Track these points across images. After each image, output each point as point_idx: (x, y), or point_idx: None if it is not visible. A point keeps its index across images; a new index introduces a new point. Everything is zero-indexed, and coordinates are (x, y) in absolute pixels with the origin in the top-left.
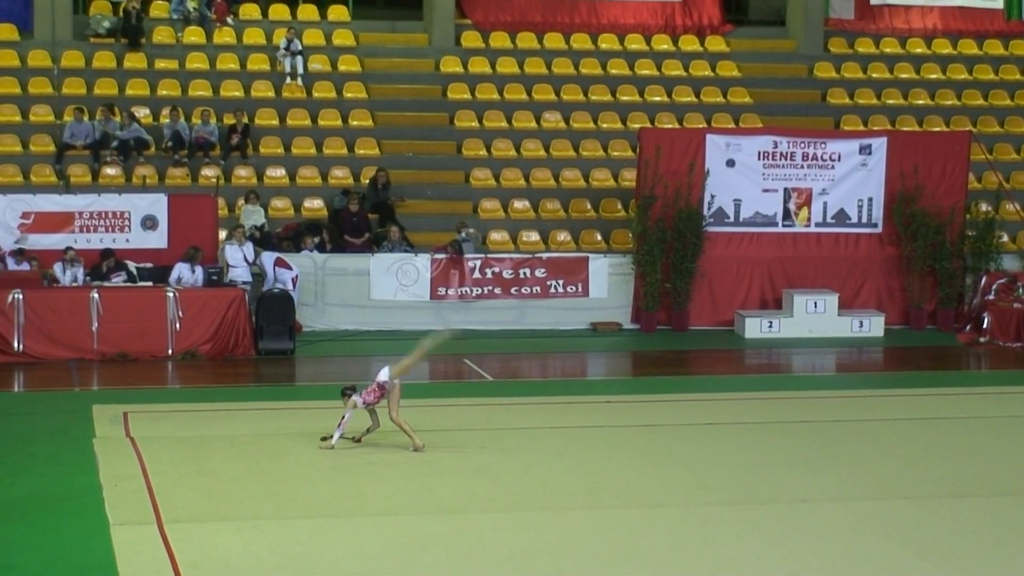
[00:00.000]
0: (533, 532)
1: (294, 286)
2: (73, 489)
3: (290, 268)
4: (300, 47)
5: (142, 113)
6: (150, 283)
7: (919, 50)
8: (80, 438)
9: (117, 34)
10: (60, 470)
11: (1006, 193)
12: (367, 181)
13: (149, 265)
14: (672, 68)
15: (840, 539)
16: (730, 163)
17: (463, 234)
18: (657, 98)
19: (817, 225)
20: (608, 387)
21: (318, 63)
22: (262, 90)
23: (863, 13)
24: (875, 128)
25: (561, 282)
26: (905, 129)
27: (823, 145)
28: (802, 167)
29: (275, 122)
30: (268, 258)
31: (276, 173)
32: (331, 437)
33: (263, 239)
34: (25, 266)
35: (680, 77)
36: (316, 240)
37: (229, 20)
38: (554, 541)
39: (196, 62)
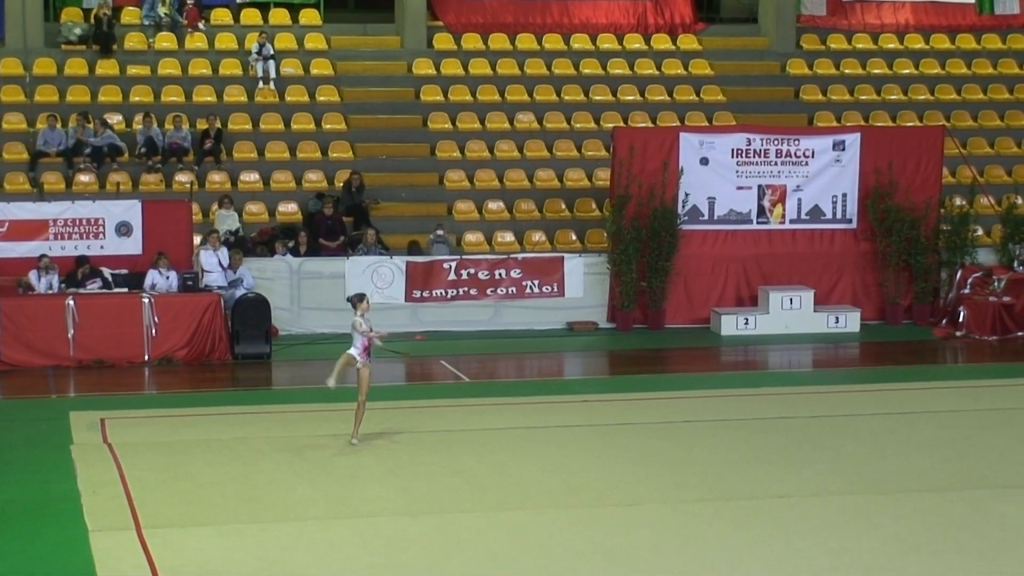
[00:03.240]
0: (512, 532)
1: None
2: (51, 496)
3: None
4: (272, 51)
5: (115, 120)
6: (125, 289)
7: (891, 45)
8: (57, 445)
9: (89, 41)
10: (38, 477)
11: (980, 187)
12: (341, 184)
13: (124, 271)
14: (645, 67)
15: (820, 534)
16: (704, 161)
17: (435, 235)
18: (630, 97)
19: (792, 222)
20: (585, 386)
21: (290, 67)
22: (235, 95)
23: (835, 9)
24: (848, 124)
25: (537, 282)
26: (878, 125)
27: (797, 142)
28: (776, 164)
29: (248, 127)
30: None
31: (250, 178)
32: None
33: (238, 244)
34: None
35: (653, 76)
36: (291, 244)
37: (201, 25)
38: (533, 541)
39: (168, 68)
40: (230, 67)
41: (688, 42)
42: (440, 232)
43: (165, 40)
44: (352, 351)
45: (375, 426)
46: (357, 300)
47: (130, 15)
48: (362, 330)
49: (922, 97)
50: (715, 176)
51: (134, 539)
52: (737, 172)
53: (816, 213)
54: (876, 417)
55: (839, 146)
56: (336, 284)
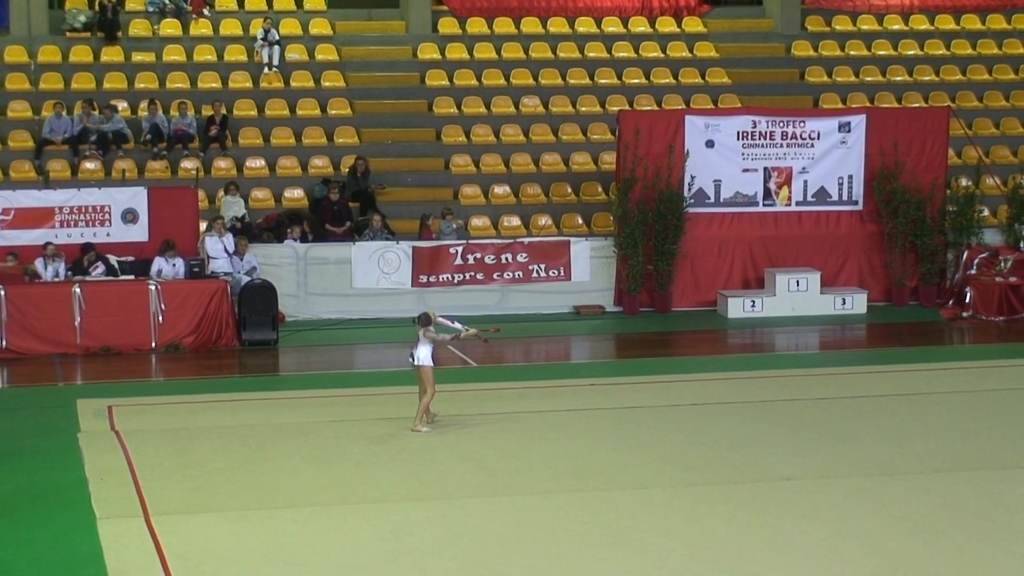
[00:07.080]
0: (520, 516)
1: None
2: (59, 484)
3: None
4: (277, 37)
5: (120, 107)
6: (132, 276)
7: (896, 26)
8: (65, 433)
9: (93, 28)
10: (45, 465)
11: (986, 167)
12: (347, 170)
13: (131, 258)
14: (650, 50)
15: (827, 517)
16: (709, 144)
17: (448, 222)
18: (635, 80)
19: (798, 204)
20: (592, 370)
21: (295, 53)
22: (240, 81)
23: None
24: (854, 105)
25: (543, 266)
26: (884, 106)
27: (802, 124)
28: (781, 146)
29: (254, 113)
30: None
31: (256, 164)
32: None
33: (244, 230)
34: None
35: (658, 59)
36: (297, 230)
37: (205, 11)
38: (541, 525)
39: (173, 54)
40: (235, 53)
41: (693, 24)
42: (455, 224)
43: (170, 27)
44: (422, 356)
45: (382, 412)
46: (426, 321)
47: (134, 2)
48: (438, 340)
49: (927, 78)
50: (721, 159)
51: (142, 526)
52: (743, 154)
53: (822, 195)
54: (883, 399)
55: (844, 128)
56: (343, 270)
